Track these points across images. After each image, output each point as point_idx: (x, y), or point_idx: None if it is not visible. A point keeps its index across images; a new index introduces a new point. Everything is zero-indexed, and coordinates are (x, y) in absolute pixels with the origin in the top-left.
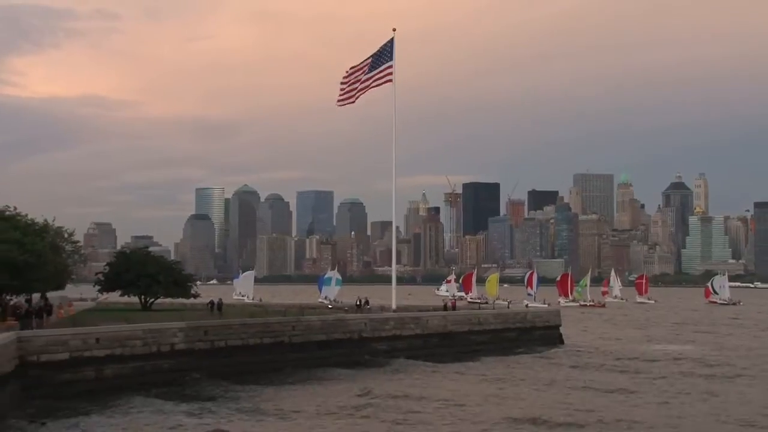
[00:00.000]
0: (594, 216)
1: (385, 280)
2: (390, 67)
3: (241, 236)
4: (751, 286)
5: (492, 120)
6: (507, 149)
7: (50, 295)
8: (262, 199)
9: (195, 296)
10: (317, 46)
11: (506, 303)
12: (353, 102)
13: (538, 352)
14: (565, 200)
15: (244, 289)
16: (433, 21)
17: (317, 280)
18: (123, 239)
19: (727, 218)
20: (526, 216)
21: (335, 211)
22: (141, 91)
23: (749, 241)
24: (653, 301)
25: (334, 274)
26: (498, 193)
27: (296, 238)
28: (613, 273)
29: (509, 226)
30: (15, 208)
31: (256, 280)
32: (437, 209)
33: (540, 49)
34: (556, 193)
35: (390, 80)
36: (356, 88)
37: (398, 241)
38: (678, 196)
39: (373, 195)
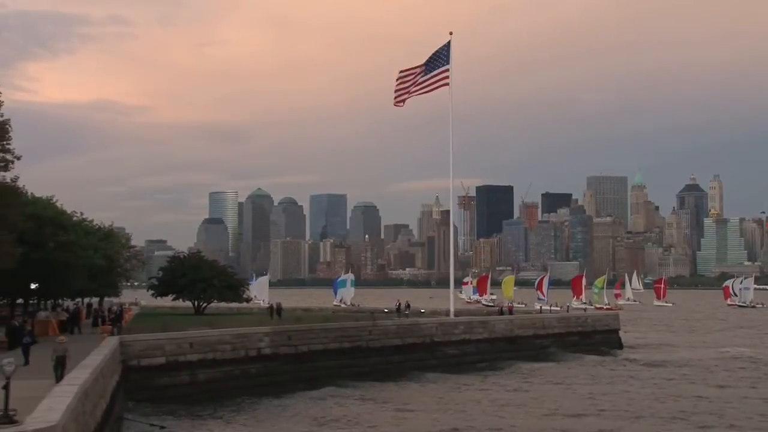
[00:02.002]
0: (608, 218)
1: (399, 283)
2: (446, 70)
3: (254, 240)
4: (765, 288)
5: (503, 123)
6: (519, 152)
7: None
8: (276, 203)
9: (248, 300)
10: (328, 51)
11: (523, 305)
12: (402, 104)
13: (611, 356)
14: (579, 203)
15: (259, 293)
16: (442, 25)
17: (331, 283)
18: (136, 243)
19: (742, 220)
20: (540, 219)
21: (349, 214)
22: (154, 96)
23: (765, 243)
24: (671, 305)
25: (348, 277)
26: (511, 196)
27: (310, 242)
28: (634, 276)
29: (523, 228)
30: (81, 214)
31: (270, 284)
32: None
33: (551, 51)
34: (570, 195)
35: (447, 84)
36: (410, 89)
37: (412, 245)
38: (692, 198)
39: (386, 198)
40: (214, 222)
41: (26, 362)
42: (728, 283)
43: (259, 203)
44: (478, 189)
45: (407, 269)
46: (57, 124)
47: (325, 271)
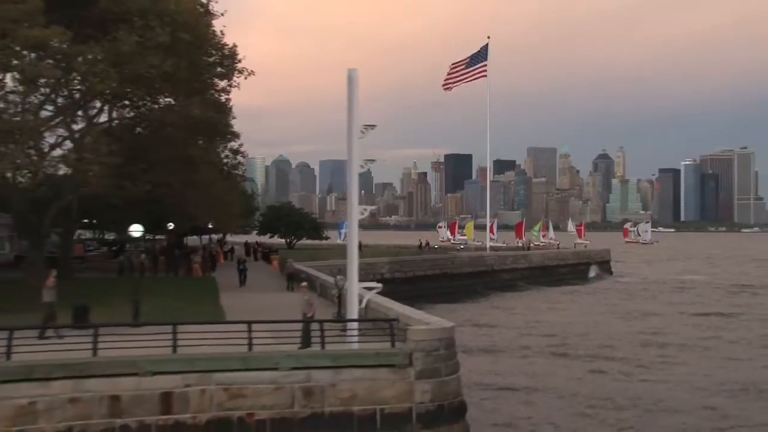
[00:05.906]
0: (543, 179)
1: (387, 227)
2: (485, 65)
3: (277, 195)
4: (656, 230)
5: (464, 106)
6: (477, 127)
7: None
8: (293, 166)
9: (326, 239)
10: (323, 49)
11: (480, 243)
12: (451, 89)
13: (611, 279)
14: (522, 167)
15: None
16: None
17: (336, 226)
18: None
19: (639, 180)
20: (492, 179)
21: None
22: None
23: (654, 197)
24: (588, 242)
25: None
26: (471, 161)
27: (319, 196)
28: (569, 221)
29: (480, 186)
30: None
31: None
32: (425, 174)
33: (500, 48)
34: (514, 161)
35: (485, 76)
36: (456, 78)
37: (396, 198)
38: (604, 164)
39: (376, 162)
40: (247, 180)
41: (242, 283)
42: (627, 225)
43: (280, 166)
44: (446, 156)
45: (393, 216)
46: None
47: (331, 217)
